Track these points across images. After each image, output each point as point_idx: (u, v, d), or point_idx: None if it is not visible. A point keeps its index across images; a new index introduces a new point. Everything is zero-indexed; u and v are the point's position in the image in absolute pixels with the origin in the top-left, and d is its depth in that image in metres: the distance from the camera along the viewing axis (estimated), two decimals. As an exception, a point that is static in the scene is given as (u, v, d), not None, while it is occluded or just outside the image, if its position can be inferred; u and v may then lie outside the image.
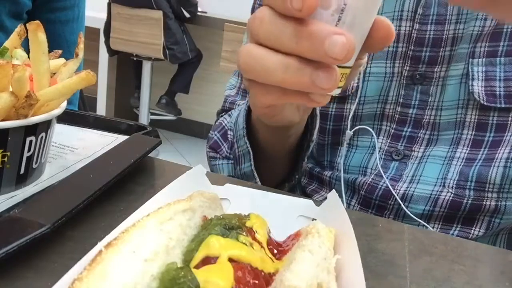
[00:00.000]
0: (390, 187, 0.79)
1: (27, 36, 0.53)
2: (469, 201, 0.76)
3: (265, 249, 0.41)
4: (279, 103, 0.48)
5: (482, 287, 0.49)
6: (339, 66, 0.43)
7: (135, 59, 4.22)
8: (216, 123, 0.93)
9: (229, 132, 0.85)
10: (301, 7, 0.39)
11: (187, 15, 3.91)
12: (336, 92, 0.46)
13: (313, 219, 0.52)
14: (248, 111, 0.74)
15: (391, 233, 0.57)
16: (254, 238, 0.41)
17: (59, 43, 0.60)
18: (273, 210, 0.53)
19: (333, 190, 0.53)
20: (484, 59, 0.74)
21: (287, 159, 0.78)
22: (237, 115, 0.79)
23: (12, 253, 0.40)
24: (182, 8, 3.87)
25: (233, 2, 4.14)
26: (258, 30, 0.43)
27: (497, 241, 0.83)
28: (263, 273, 0.37)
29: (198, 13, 4.01)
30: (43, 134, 0.55)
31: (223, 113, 0.96)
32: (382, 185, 0.80)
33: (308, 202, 0.56)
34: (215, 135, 0.89)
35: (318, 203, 0.55)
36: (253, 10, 0.94)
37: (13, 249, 0.40)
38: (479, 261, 0.54)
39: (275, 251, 0.43)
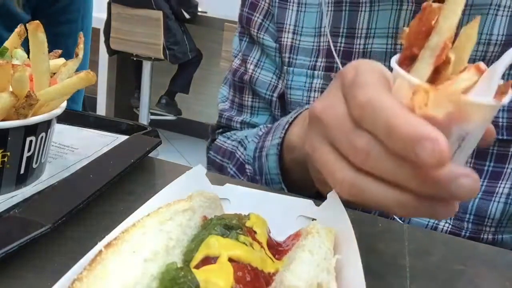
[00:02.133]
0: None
1: (27, 36, 0.54)
2: (467, 234, 0.75)
3: (265, 249, 0.41)
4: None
5: (482, 287, 0.49)
6: None
7: (135, 59, 4.22)
8: (219, 145, 0.89)
9: (247, 166, 0.82)
10: (434, 164, 0.34)
11: (187, 16, 3.91)
12: None
13: (313, 219, 0.52)
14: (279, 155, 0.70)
15: (391, 233, 0.57)
16: (254, 238, 0.41)
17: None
18: (273, 210, 0.53)
19: (333, 190, 0.53)
20: None
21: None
22: (255, 150, 0.76)
23: (12, 253, 0.40)
24: (182, 10, 3.87)
25: (233, 2, 4.14)
26: (364, 162, 0.39)
27: None
28: (263, 273, 0.37)
29: (198, 13, 4.01)
30: (43, 134, 0.55)
31: (220, 130, 0.93)
32: None
33: (308, 202, 0.56)
34: (231, 168, 0.85)
35: (318, 203, 0.55)
36: (240, 18, 0.91)
37: (13, 249, 0.40)
38: (479, 261, 0.54)
39: (275, 251, 0.43)
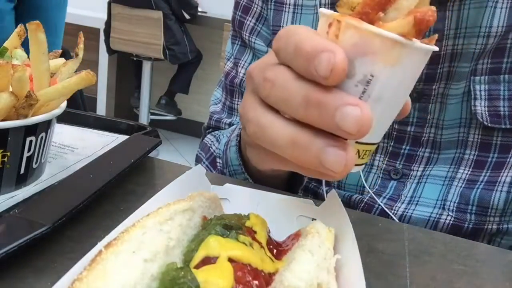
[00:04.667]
0: (386, 209, 0.77)
1: (27, 36, 0.54)
2: (470, 225, 0.74)
3: (265, 249, 0.41)
4: (291, 170, 0.44)
5: (482, 287, 0.49)
6: (361, 143, 0.38)
7: (135, 59, 4.23)
8: (204, 141, 0.91)
9: (217, 159, 0.83)
10: (328, 75, 0.34)
11: (187, 17, 3.92)
12: (357, 169, 0.40)
13: (313, 219, 0.52)
14: (239, 146, 0.71)
15: (391, 233, 0.57)
16: (254, 238, 0.41)
17: (48, 28, 0.61)
18: (273, 210, 0.53)
19: (333, 190, 0.53)
20: (486, 76, 0.71)
21: (282, 187, 0.75)
22: (225, 144, 0.76)
23: (12, 253, 0.40)
24: (182, 11, 3.87)
25: (233, 2, 4.14)
26: (268, 93, 0.40)
27: None
28: (263, 273, 0.37)
29: (198, 13, 4.01)
30: (43, 134, 0.55)
31: (209, 130, 0.94)
32: (379, 206, 0.78)
33: (308, 202, 0.56)
34: (204, 162, 0.87)
35: (318, 203, 0.55)
36: (233, 21, 0.90)
37: (13, 249, 0.40)
38: (479, 261, 0.54)
39: (275, 251, 0.43)
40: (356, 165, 0.39)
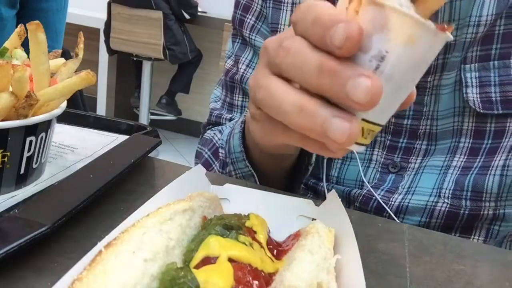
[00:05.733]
0: (381, 201, 0.77)
1: (27, 36, 0.54)
2: (466, 212, 0.74)
3: (265, 249, 0.41)
4: (294, 144, 0.45)
5: (482, 287, 0.49)
6: (367, 121, 0.39)
7: (135, 59, 4.22)
8: (205, 136, 0.91)
9: (220, 150, 0.83)
10: (342, 45, 0.35)
11: (187, 16, 3.92)
12: (358, 149, 0.40)
13: (313, 219, 0.52)
14: (242, 133, 0.71)
15: (391, 233, 0.57)
16: (254, 238, 0.41)
17: (49, 32, 0.61)
18: (273, 210, 0.53)
19: (333, 190, 0.53)
20: (476, 64, 0.72)
21: (284, 178, 0.75)
22: (228, 134, 0.77)
23: (12, 253, 0.40)
24: (182, 10, 3.87)
25: (233, 2, 4.13)
26: (282, 60, 0.40)
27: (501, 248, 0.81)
28: (263, 273, 0.37)
29: (198, 13, 4.01)
30: (43, 134, 0.55)
31: (209, 126, 0.95)
32: (376, 198, 0.78)
33: (308, 202, 0.56)
34: (206, 152, 0.87)
35: (318, 203, 0.55)
36: (233, 20, 0.91)
37: (13, 249, 0.40)
38: (479, 261, 0.54)
39: (275, 251, 0.43)
40: (359, 143, 0.40)
